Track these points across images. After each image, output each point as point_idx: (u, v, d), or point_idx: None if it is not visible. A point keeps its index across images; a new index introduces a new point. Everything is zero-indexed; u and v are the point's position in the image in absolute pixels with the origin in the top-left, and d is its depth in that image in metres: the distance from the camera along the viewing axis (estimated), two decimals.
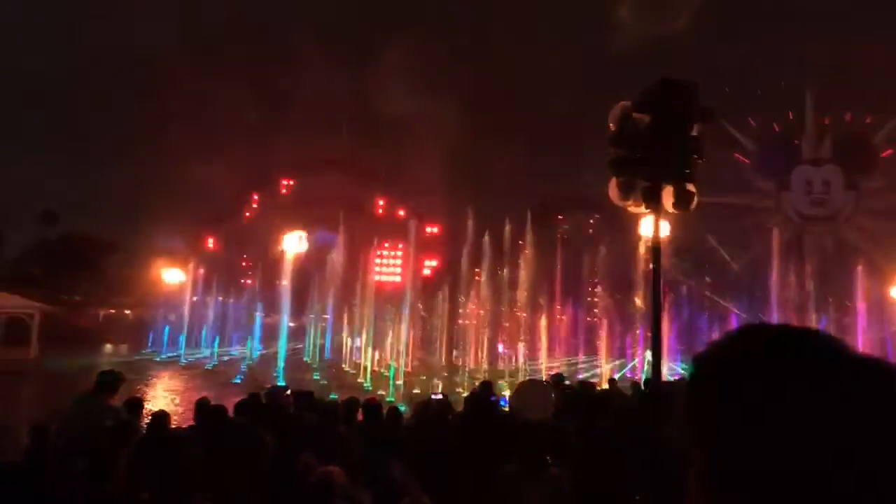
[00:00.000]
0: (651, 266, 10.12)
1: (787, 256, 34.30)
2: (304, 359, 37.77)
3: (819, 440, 0.74)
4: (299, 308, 37.41)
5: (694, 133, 10.91)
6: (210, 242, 67.85)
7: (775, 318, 30.91)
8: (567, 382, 11.42)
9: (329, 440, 6.07)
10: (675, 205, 10.69)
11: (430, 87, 33.27)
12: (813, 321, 30.90)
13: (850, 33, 35.70)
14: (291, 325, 36.46)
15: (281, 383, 18.50)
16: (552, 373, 18.11)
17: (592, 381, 15.78)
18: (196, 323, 45.52)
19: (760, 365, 0.79)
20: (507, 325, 36.20)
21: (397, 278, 41.13)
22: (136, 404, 7.28)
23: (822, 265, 33.84)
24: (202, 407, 7.38)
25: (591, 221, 48.69)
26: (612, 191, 11.08)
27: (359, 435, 6.74)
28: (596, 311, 36.08)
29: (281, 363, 30.57)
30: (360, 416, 7.57)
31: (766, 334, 0.84)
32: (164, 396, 23.10)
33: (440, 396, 10.33)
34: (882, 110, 35.11)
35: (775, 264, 33.37)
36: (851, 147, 34.73)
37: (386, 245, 42.19)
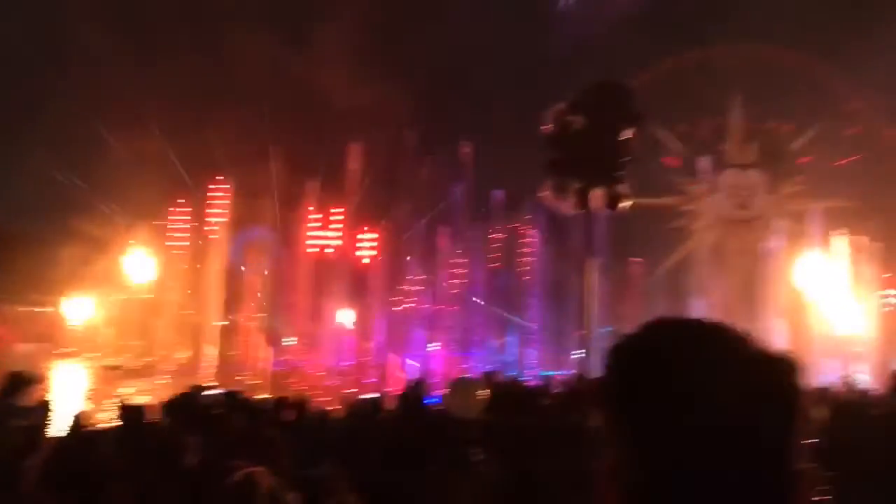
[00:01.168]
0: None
1: (713, 257, 35.60)
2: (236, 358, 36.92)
3: (727, 434, 0.75)
4: (234, 306, 36.51)
5: (626, 136, 11.25)
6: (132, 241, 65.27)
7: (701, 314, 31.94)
8: (500, 379, 11.53)
9: (257, 440, 5.95)
10: (606, 205, 10.99)
11: (368, 78, 32.77)
12: (737, 319, 32.05)
13: (775, 46, 37.25)
14: (224, 323, 35.56)
15: (211, 383, 18.05)
16: (486, 369, 18.26)
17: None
18: None
19: (676, 360, 0.80)
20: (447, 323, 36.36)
21: (331, 249, 40.54)
22: (47, 406, 6.94)
23: (744, 266, 35.24)
24: (123, 407, 7.11)
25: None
26: (547, 191, 11.28)
27: (288, 434, 6.63)
28: (528, 309, 36.51)
29: (210, 363, 29.80)
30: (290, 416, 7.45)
31: (679, 328, 0.85)
32: (84, 396, 22.20)
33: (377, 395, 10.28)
34: (800, 119, 36.85)
35: (701, 264, 34.62)
36: (773, 153, 36.25)
37: (323, 231, 41.68)
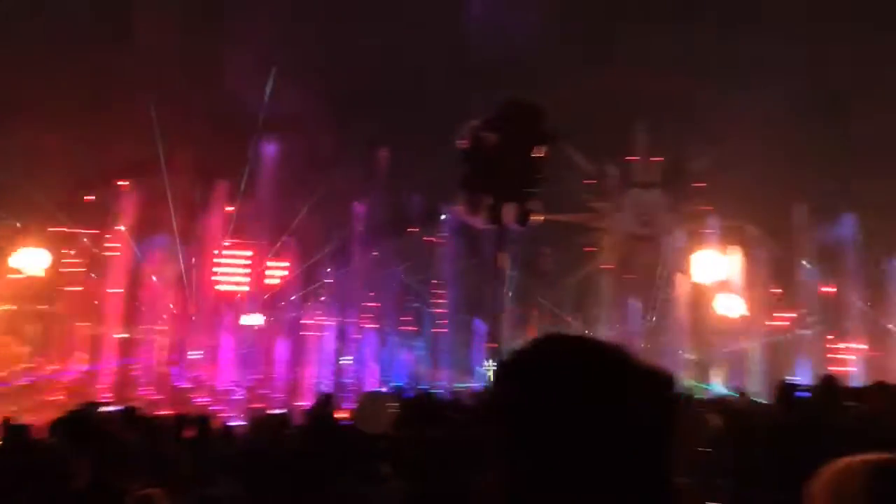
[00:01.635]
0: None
1: (619, 272, 36.97)
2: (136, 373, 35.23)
3: (608, 448, 0.77)
4: (133, 319, 34.73)
5: (539, 154, 11.54)
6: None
7: (605, 330, 33.18)
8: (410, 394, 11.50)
9: (155, 459, 5.67)
10: (517, 221, 11.22)
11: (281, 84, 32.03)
12: (638, 333, 33.51)
13: (678, 75, 39.24)
14: (124, 336, 33.83)
15: (108, 399, 17.12)
16: (397, 383, 18.18)
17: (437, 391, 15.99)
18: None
19: (559, 375, 0.82)
20: (358, 336, 35.90)
21: (245, 287, 39.28)
22: None
23: (646, 280, 36.77)
24: (5, 426, 6.63)
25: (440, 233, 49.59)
26: (461, 206, 11.43)
27: (189, 452, 6.36)
28: (440, 322, 36.60)
29: (108, 378, 28.31)
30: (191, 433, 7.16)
31: (563, 344, 0.88)
32: None
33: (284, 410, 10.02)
34: (700, 141, 38.91)
35: (608, 279, 35.95)
36: (674, 174, 38.09)
37: (230, 251, 40.33)
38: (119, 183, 35.93)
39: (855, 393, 7.60)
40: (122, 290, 32.61)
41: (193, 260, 36.13)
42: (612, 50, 38.98)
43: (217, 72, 32.44)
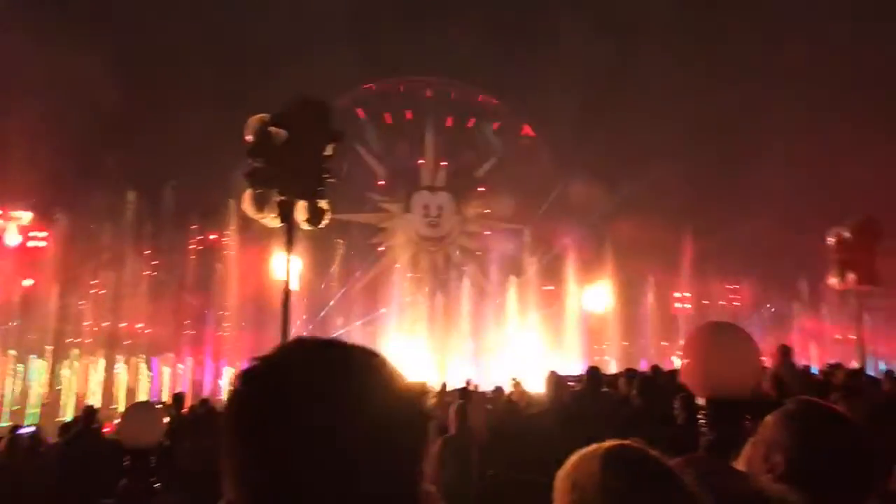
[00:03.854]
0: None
1: (407, 271, 37.96)
2: None
3: (353, 460, 0.74)
4: None
5: (328, 152, 11.42)
6: None
7: (394, 328, 33.85)
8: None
9: None
10: (308, 220, 11.01)
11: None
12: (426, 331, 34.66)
13: (464, 81, 41.29)
14: None
15: None
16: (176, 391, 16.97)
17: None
18: None
19: (302, 384, 0.78)
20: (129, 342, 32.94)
21: None
22: None
23: (434, 279, 38.17)
24: None
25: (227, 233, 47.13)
26: (247, 203, 10.93)
27: None
28: (226, 324, 34.86)
29: None
30: None
31: (310, 350, 0.83)
32: None
33: (32, 429, 8.92)
34: (484, 148, 41.21)
35: (397, 279, 36.75)
36: (459, 179, 40.00)
37: None
38: None
39: (609, 380, 8.48)
40: None
41: None
42: (400, 55, 40.10)
43: None
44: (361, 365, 0.81)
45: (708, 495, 1.24)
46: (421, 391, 0.83)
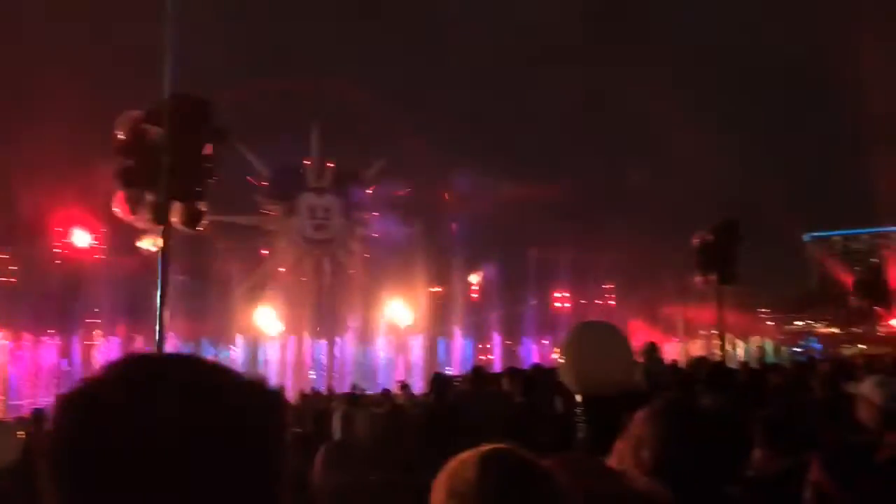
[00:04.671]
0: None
1: (294, 275, 37.11)
2: None
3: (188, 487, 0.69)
4: None
5: (207, 152, 10.92)
6: None
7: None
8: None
9: None
10: (184, 222, 10.48)
11: None
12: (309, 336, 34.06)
13: (354, 83, 41.06)
14: None
15: None
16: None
17: None
18: None
19: (126, 407, 0.71)
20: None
21: None
22: None
23: (321, 284, 37.56)
24: None
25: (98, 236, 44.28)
26: (119, 204, 10.24)
27: None
28: (96, 331, 32.70)
29: None
30: None
31: (139, 368, 0.77)
32: None
33: None
34: (371, 150, 41.05)
35: (286, 283, 35.96)
36: (347, 180, 39.51)
37: None
38: None
39: (493, 379, 8.64)
40: None
41: None
42: (288, 56, 39.22)
43: None
44: (201, 380, 0.76)
45: (580, 497, 1.27)
46: (271, 397, 0.77)
